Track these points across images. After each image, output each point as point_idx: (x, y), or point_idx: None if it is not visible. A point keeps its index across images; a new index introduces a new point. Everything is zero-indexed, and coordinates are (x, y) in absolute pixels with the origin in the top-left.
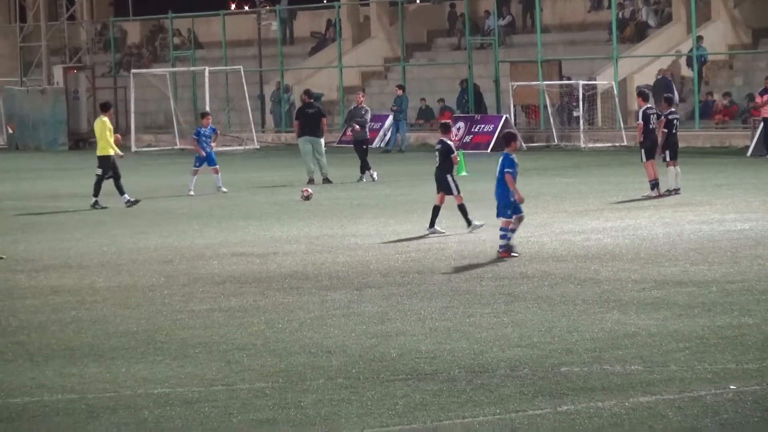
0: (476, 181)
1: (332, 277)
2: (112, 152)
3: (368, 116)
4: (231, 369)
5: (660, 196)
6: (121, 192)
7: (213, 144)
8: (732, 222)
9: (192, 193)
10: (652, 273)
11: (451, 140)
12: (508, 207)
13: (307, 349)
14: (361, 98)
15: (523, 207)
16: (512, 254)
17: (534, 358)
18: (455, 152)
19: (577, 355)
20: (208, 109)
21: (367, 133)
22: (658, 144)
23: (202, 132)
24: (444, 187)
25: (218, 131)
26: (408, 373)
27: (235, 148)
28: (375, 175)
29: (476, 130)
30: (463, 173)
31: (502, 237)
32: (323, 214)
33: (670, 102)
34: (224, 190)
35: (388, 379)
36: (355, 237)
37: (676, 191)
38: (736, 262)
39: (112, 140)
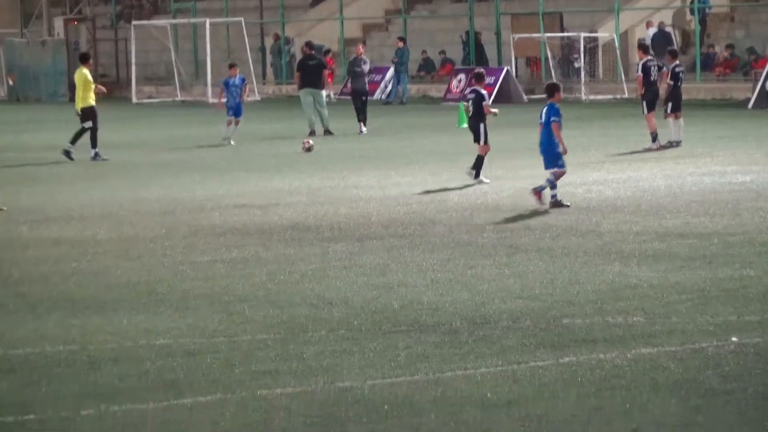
0: None
1: (334, 229)
2: (93, 102)
3: (367, 67)
4: (233, 320)
5: (661, 148)
6: (74, 141)
7: (245, 96)
8: (733, 174)
9: (233, 143)
10: (653, 225)
11: (484, 89)
12: (559, 156)
13: (308, 300)
14: (361, 49)
15: (525, 159)
16: (542, 202)
17: (536, 309)
18: (487, 101)
19: (579, 307)
20: (209, 60)
21: (366, 85)
22: (659, 96)
23: (230, 83)
24: (476, 136)
25: (247, 83)
26: (410, 324)
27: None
28: (365, 129)
29: None
30: (464, 125)
31: (549, 182)
32: (324, 165)
33: (674, 54)
34: (232, 143)
35: (389, 330)
36: (356, 188)
37: (678, 143)
38: (738, 214)
39: (91, 92)
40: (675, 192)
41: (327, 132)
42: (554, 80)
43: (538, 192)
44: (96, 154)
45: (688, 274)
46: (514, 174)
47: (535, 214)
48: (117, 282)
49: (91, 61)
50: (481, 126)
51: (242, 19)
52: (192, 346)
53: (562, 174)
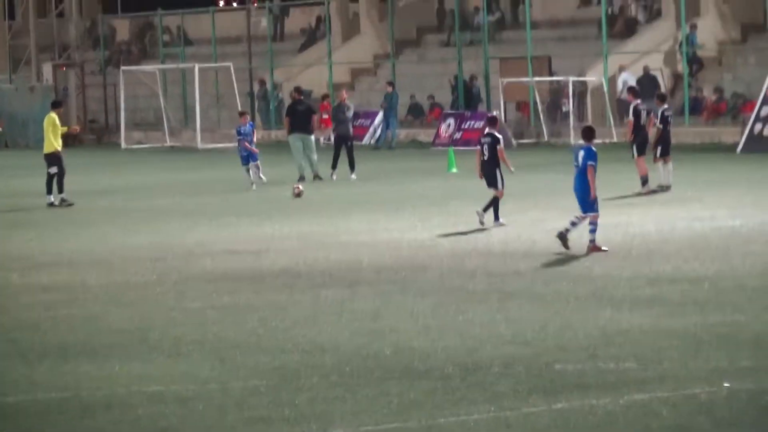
0: (467, 178)
1: (325, 275)
2: (58, 148)
3: (351, 113)
4: (225, 367)
5: (651, 192)
6: (49, 191)
7: (254, 146)
8: (723, 219)
9: (265, 180)
10: (644, 270)
11: (499, 133)
12: (594, 201)
13: (300, 346)
14: (345, 95)
15: (516, 203)
16: (602, 249)
17: (528, 355)
18: (501, 144)
19: (571, 353)
20: (198, 106)
21: (350, 130)
22: (648, 140)
23: (242, 131)
24: (492, 182)
25: (254, 129)
26: (402, 370)
27: (225, 145)
28: (353, 176)
29: (466, 126)
30: (453, 170)
31: (591, 231)
32: (314, 211)
33: (663, 99)
34: (254, 187)
35: (382, 377)
36: (346, 234)
37: (667, 188)
38: (728, 259)
39: (57, 138)
40: (665, 237)
41: (316, 177)
42: (543, 123)
43: (593, 246)
44: (63, 200)
45: (680, 320)
46: (506, 219)
47: (525, 259)
48: (108, 328)
49: (61, 109)
50: (497, 171)
51: (231, 64)
52: (184, 392)
53: (597, 217)
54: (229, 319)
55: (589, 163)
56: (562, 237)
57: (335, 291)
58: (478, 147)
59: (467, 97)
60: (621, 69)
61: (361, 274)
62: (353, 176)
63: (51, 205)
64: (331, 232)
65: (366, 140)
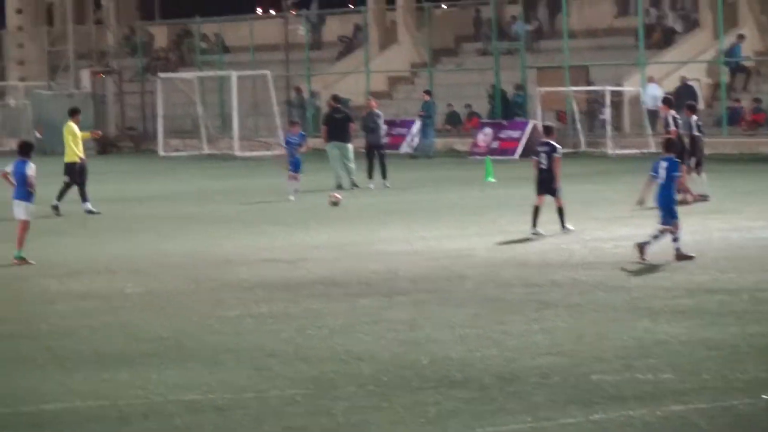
0: (504, 187)
1: (361, 284)
2: (77, 159)
3: (381, 121)
4: (261, 376)
5: (699, 199)
6: (84, 198)
7: (302, 150)
8: (761, 229)
9: (293, 198)
10: (681, 280)
11: (555, 142)
12: (674, 212)
13: (337, 356)
14: (374, 103)
15: (553, 213)
16: (688, 255)
17: (565, 365)
18: (559, 153)
19: (608, 363)
20: (235, 113)
21: (381, 138)
22: (686, 149)
23: (290, 140)
24: (552, 190)
25: (307, 140)
26: (439, 380)
27: (263, 153)
28: (388, 184)
29: (503, 136)
30: (490, 179)
31: (675, 240)
32: (351, 219)
33: (693, 109)
34: (292, 198)
35: (418, 386)
36: (383, 243)
37: (705, 197)
38: (766, 270)
39: (77, 146)
40: (703, 247)
41: (354, 186)
42: (580, 133)
43: (679, 254)
44: (89, 211)
45: (718, 331)
46: (543, 228)
47: (562, 269)
48: (145, 336)
49: (79, 117)
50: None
51: (268, 72)
52: (221, 401)
53: (677, 227)
54: (265, 327)
55: (676, 174)
56: (641, 247)
57: (372, 300)
58: (534, 158)
59: (505, 107)
60: (649, 80)
61: (398, 284)
62: (387, 183)
63: (89, 212)
64: (368, 241)
65: (403, 149)
